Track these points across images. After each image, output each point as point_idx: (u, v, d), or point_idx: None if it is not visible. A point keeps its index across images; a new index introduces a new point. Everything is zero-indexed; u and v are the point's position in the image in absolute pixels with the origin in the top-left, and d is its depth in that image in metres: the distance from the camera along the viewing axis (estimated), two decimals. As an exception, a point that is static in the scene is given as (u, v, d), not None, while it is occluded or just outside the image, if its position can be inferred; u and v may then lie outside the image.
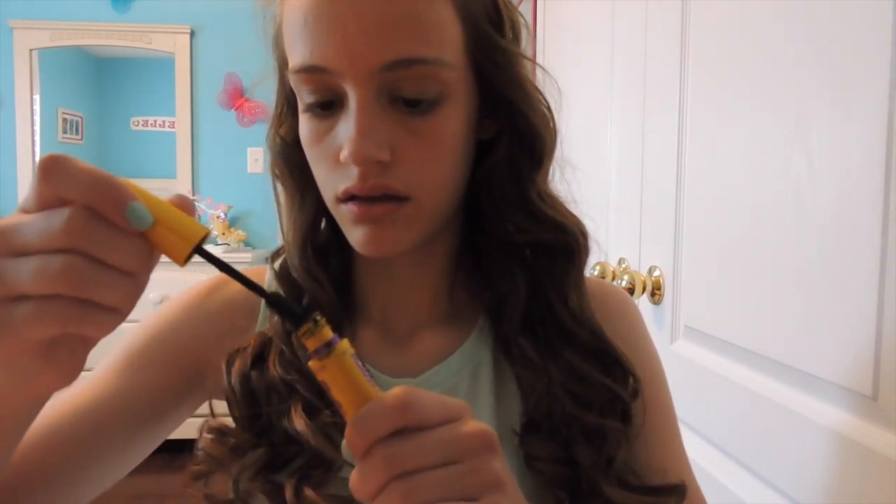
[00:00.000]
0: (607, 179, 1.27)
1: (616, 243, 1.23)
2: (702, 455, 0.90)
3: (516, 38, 0.52)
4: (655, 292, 1.02)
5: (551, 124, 0.53)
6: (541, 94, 0.53)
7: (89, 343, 0.34)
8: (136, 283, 0.33)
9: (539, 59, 1.84)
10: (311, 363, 0.34)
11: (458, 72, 0.47)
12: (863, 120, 0.59)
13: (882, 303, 0.57)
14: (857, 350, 0.60)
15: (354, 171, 0.46)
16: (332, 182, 0.48)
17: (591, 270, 1.16)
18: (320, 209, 0.54)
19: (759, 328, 0.76)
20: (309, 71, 0.46)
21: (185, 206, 0.34)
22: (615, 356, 0.54)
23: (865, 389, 0.59)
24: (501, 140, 0.52)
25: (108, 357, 0.57)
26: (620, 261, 1.17)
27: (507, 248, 0.54)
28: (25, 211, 0.31)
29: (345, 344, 0.35)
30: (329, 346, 0.34)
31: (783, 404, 0.70)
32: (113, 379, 0.54)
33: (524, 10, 2.01)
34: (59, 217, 0.30)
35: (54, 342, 0.32)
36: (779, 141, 0.72)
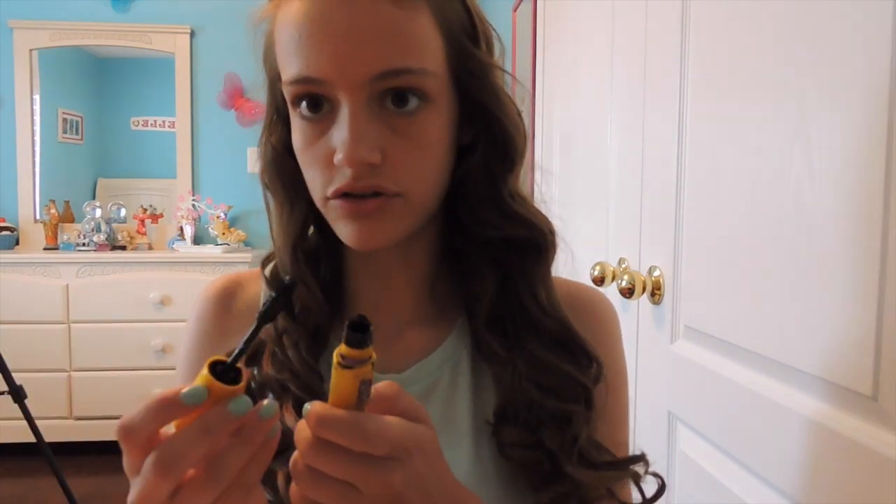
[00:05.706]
0: (607, 179, 1.27)
1: (616, 243, 1.23)
2: (702, 455, 0.90)
3: (490, 50, 0.57)
4: (655, 292, 1.02)
5: (522, 130, 0.57)
6: (513, 101, 0.57)
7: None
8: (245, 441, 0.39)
9: (539, 60, 1.84)
10: (349, 359, 0.39)
11: (440, 80, 0.51)
12: (863, 120, 0.59)
13: (882, 303, 0.57)
14: (857, 350, 0.60)
15: (348, 172, 0.49)
16: (323, 182, 0.52)
17: (591, 270, 1.16)
18: (309, 216, 0.58)
19: (759, 328, 0.76)
20: (304, 82, 0.49)
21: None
22: (580, 343, 0.57)
23: (865, 389, 0.59)
24: (478, 145, 0.56)
25: None
26: (620, 261, 1.17)
27: (480, 250, 0.58)
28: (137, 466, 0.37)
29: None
30: (366, 360, 0.39)
31: (783, 404, 0.70)
32: None
33: (524, 10, 2.01)
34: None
35: None
36: (779, 141, 0.71)
